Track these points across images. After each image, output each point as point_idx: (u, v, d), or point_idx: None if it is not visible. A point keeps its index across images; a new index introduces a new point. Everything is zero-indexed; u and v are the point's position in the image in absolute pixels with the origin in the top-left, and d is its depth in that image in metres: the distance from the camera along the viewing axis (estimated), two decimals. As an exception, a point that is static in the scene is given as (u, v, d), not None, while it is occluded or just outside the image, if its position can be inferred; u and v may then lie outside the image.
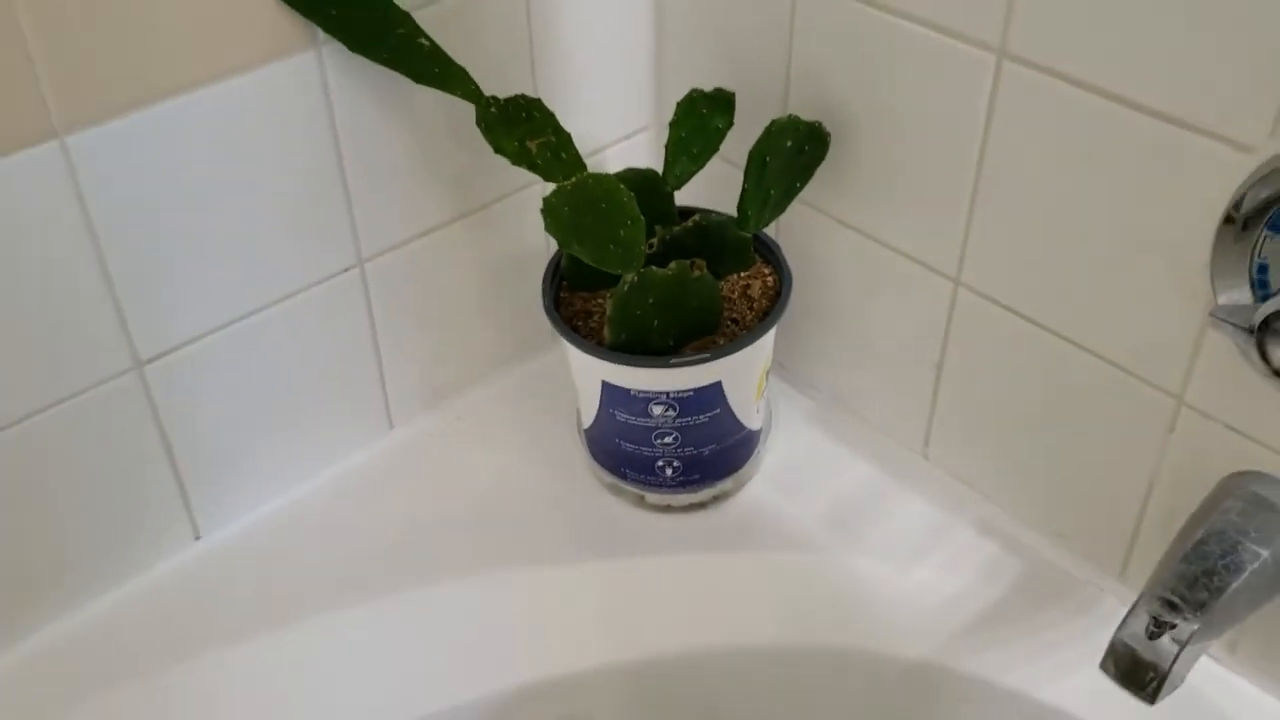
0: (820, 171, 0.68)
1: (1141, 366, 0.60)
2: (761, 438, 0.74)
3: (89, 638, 0.66)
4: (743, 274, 0.70)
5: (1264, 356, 0.48)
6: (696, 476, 0.71)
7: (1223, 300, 0.52)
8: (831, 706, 0.70)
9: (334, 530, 0.72)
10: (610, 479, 0.74)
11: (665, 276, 0.62)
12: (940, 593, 0.69)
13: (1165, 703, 0.61)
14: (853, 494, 0.74)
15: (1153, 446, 0.61)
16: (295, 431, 0.72)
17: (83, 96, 0.54)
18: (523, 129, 0.64)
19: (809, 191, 0.69)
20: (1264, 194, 0.50)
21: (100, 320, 0.60)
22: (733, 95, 0.67)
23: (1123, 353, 0.60)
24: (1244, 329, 0.49)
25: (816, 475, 0.75)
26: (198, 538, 0.71)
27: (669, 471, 0.70)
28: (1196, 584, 0.53)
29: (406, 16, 0.61)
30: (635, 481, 0.72)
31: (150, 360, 0.63)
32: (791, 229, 0.74)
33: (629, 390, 0.66)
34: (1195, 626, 0.52)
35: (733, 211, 0.68)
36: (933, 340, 0.69)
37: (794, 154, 0.66)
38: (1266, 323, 0.47)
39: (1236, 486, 0.57)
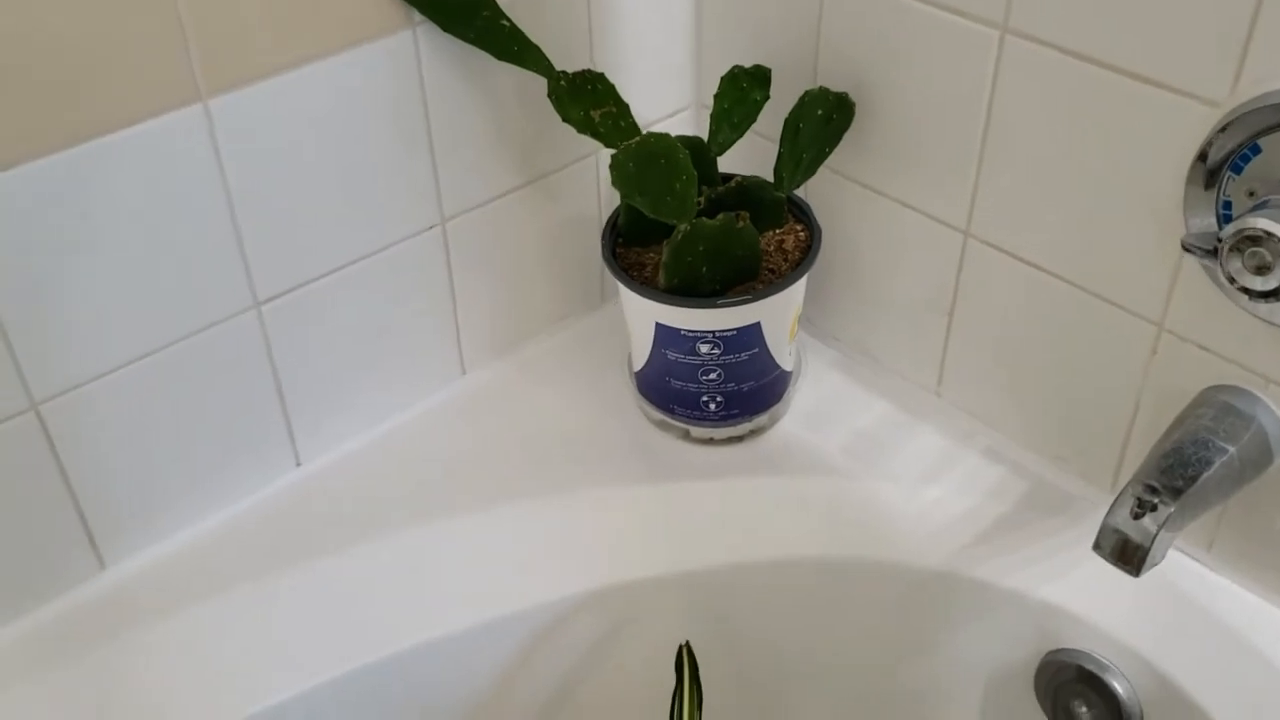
0: (846, 138, 0.78)
1: (1127, 298, 0.69)
2: (792, 380, 0.84)
3: (210, 547, 0.76)
4: (778, 230, 0.79)
5: (1227, 274, 0.58)
6: (736, 411, 0.80)
7: (1194, 232, 0.62)
8: (857, 610, 0.79)
9: (416, 460, 0.82)
10: (659, 415, 0.83)
11: (714, 226, 0.71)
12: (951, 510, 0.78)
13: (1151, 595, 0.70)
14: (873, 428, 0.83)
15: (1138, 370, 0.70)
16: (383, 372, 0.82)
17: (224, 64, 0.64)
18: (588, 100, 0.73)
19: (835, 157, 0.79)
20: (1227, 142, 0.60)
21: (228, 264, 0.69)
22: (769, 71, 0.77)
23: (1111, 287, 0.69)
24: (1209, 251, 0.58)
25: (840, 413, 0.84)
26: (299, 464, 0.80)
27: (712, 406, 0.80)
28: (1173, 473, 0.62)
29: (491, 1, 0.71)
30: (682, 416, 0.81)
31: (266, 300, 0.72)
32: (820, 192, 0.84)
33: (679, 330, 0.75)
34: (1172, 509, 0.61)
35: (769, 175, 0.78)
36: (945, 288, 0.79)
37: (824, 122, 0.75)
38: (1229, 243, 0.57)
39: (1210, 397, 0.66)
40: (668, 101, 0.88)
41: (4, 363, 0.63)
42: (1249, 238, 0.56)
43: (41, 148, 0.59)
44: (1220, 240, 0.57)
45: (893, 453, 0.81)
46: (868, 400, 0.85)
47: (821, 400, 0.86)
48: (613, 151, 0.70)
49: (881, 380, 0.86)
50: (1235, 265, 0.57)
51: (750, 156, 0.81)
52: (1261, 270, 0.56)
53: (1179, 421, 0.66)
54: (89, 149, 0.61)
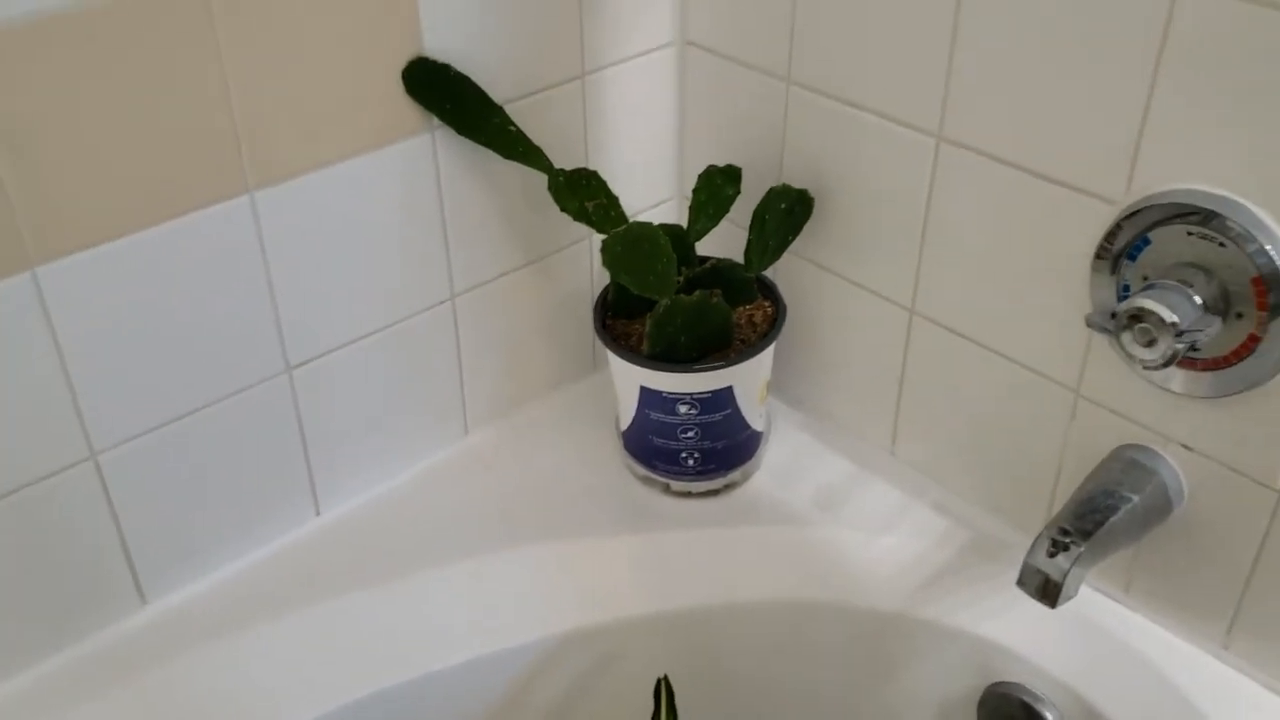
0: (808, 227, 0.89)
1: (1050, 369, 0.79)
2: (763, 440, 0.94)
3: (240, 586, 0.84)
4: (748, 306, 0.90)
5: (1122, 347, 0.68)
6: (712, 467, 0.90)
7: (1096, 311, 0.72)
8: (820, 648, 0.87)
9: (423, 510, 0.91)
10: (643, 471, 0.93)
11: (691, 302, 0.81)
12: (904, 556, 0.87)
13: (1078, 632, 0.79)
14: (835, 483, 0.93)
15: (1060, 432, 0.80)
16: (395, 432, 0.91)
17: (269, 162, 0.75)
18: (582, 193, 0.84)
19: (799, 243, 0.90)
20: (1123, 234, 0.70)
21: (266, 333, 0.80)
22: (740, 170, 0.88)
23: (1036, 359, 0.80)
24: (1107, 328, 0.68)
25: (805, 470, 0.94)
26: (318, 514, 0.90)
27: (690, 462, 0.89)
28: (1084, 518, 0.72)
29: (500, 109, 0.82)
30: (663, 472, 0.91)
31: (297, 365, 0.82)
32: (787, 273, 0.94)
33: (661, 392, 0.85)
34: (1082, 549, 0.70)
35: (740, 258, 0.89)
36: (895, 359, 0.89)
37: (786, 213, 0.86)
38: (1120, 320, 0.67)
39: (1119, 454, 0.76)
40: (654, 193, 0.99)
41: (70, 417, 0.72)
42: (1135, 315, 0.66)
43: (123, 228, 0.70)
44: (1114, 317, 0.67)
45: (852, 505, 0.91)
46: (830, 458, 0.95)
47: (789, 458, 0.95)
48: (604, 237, 0.81)
49: (842, 440, 0.96)
50: (1127, 339, 0.67)
51: (725, 241, 0.91)
52: (1150, 343, 0.66)
53: (1092, 475, 0.76)
54: (161, 230, 0.71)
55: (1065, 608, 0.80)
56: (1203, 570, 0.76)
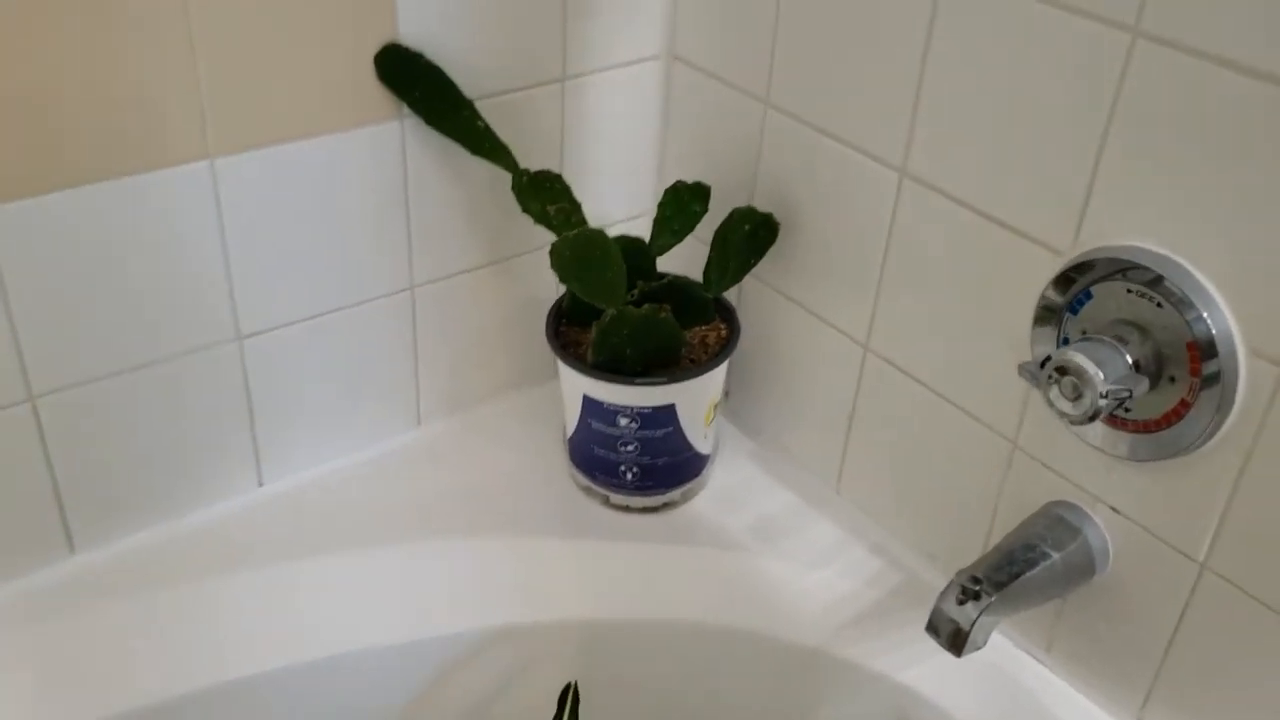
0: (774, 254, 0.88)
1: (990, 417, 0.78)
2: (709, 463, 0.93)
3: (170, 546, 0.85)
4: (704, 326, 0.89)
5: (1047, 399, 0.67)
6: (651, 484, 0.90)
7: (1031, 361, 0.71)
8: (737, 675, 0.86)
9: (365, 494, 0.91)
10: (584, 481, 0.92)
11: (638, 315, 0.81)
12: (832, 593, 0.86)
13: (997, 688, 0.78)
14: (776, 514, 0.92)
15: (996, 482, 0.79)
16: (346, 414, 0.92)
17: (233, 129, 0.76)
18: (545, 196, 0.85)
19: (765, 269, 0.90)
20: (1065, 286, 0.69)
21: (217, 300, 0.80)
22: (709, 188, 0.88)
23: (979, 406, 0.79)
24: (1035, 378, 0.67)
25: (749, 498, 0.93)
26: (261, 485, 0.90)
27: (629, 476, 0.89)
28: (999, 569, 0.71)
29: (470, 103, 0.82)
30: (603, 483, 0.91)
31: (248, 335, 0.83)
32: (750, 298, 0.94)
33: (603, 403, 0.85)
34: (993, 599, 0.69)
35: (702, 278, 0.89)
36: (846, 395, 0.88)
37: (750, 236, 0.86)
38: (1047, 372, 0.66)
39: (1048, 509, 0.75)
40: (631, 206, 0.99)
41: (10, 356, 0.74)
42: (1061, 368, 0.65)
43: (79, 178, 0.71)
44: (1042, 368, 0.66)
45: (788, 537, 0.90)
46: (775, 490, 0.94)
47: (734, 486, 0.95)
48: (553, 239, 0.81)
49: (791, 473, 0.95)
50: (1054, 392, 0.66)
51: (692, 259, 0.91)
52: (1075, 398, 0.65)
53: (1017, 528, 0.75)
54: (117, 185, 0.73)
55: (987, 662, 0.79)
56: (1124, 638, 0.75)
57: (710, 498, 0.94)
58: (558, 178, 0.85)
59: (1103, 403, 0.64)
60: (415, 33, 0.80)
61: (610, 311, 0.81)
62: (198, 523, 0.87)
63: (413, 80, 0.80)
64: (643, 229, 1.00)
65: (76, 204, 0.72)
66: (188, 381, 0.82)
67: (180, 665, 0.78)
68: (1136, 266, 0.65)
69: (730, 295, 0.94)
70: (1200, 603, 0.69)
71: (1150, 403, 0.67)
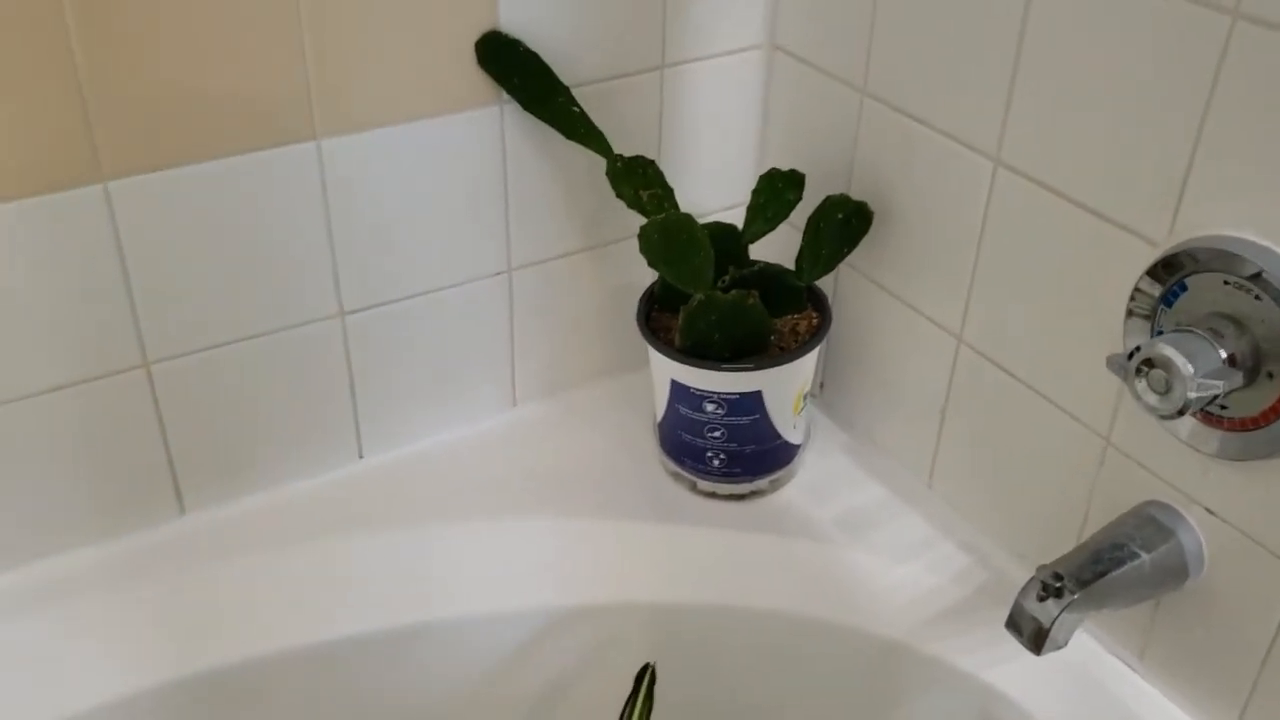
0: (869, 243, 0.88)
1: (1083, 412, 0.76)
2: (799, 453, 0.93)
3: (276, 511, 0.89)
4: (796, 315, 0.89)
5: (1134, 394, 0.65)
6: (738, 470, 0.90)
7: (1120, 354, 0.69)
8: (817, 667, 0.86)
9: (459, 471, 0.94)
10: (673, 466, 0.93)
11: (725, 300, 0.82)
12: (918, 588, 0.85)
13: (1086, 694, 0.77)
14: (865, 507, 0.91)
15: (1088, 480, 0.77)
16: (444, 393, 0.94)
17: (338, 112, 0.79)
18: (638, 181, 0.86)
19: (860, 258, 0.89)
20: (1161, 277, 0.67)
21: (319, 275, 0.84)
22: (803, 175, 0.87)
23: (1071, 401, 0.77)
24: (1124, 370, 0.65)
25: (839, 490, 0.93)
26: (361, 457, 0.93)
27: (716, 463, 0.89)
28: (1083, 567, 0.69)
29: (565, 89, 0.84)
30: (690, 469, 0.91)
31: (351, 312, 0.86)
32: (845, 288, 0.93)
33: (689, 387, 0.86)
34: (1075, 597, 0.67)
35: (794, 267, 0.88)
36: (939, 389, 0.87)
37: (843, 224, 0.85)
38: (1134, 366, 0.64)
39: (1140, 509, 0.73)
40: (730, 195, 0.99)
41: (128, 325, 0.78)
42: (1149, 361, 0.63)
43: (192, 156, 0.75)
44: (1130, 359, 0.64)
45: (877, 531, 0.89)
46: (866, 483, 0.93)
47: (825, 477, 0.94)
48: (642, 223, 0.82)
49: (883, 466, 0.94)
50: (1141, 385, 0.64)
51: (787, 248, 0.91)
52: (1164, 392, 0.63)
53: (1108, 526, 0.73)
54: (227, 163, 0.76)
55: (1076, 665, 0.78)
56: (1219, 647, 0.72)
57: (799, 488, 0.93)
58: (651, 163, 0.86)
59: (1192, 397, 0.62)
60: (516, 20, 0.82)
61: (698, 296, 0.82)
62: (301, 490, 0.91)
63: (511, 67, 0.82)
64: (740, 218, 1.00)
65: (190, 180, 0.76)
66: (292, 354, 0.85)
67: (273, 625, 0.82)
68: (1235, 258, 0.63)
69: (826, 285, 0.94)
70: (1298, 611, 0.66)
71: (1248, 399, 0.64)
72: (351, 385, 0.89)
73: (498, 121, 0.85)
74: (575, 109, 0.84)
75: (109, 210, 0.74)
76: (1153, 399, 0.64)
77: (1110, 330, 0.72)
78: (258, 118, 0.76)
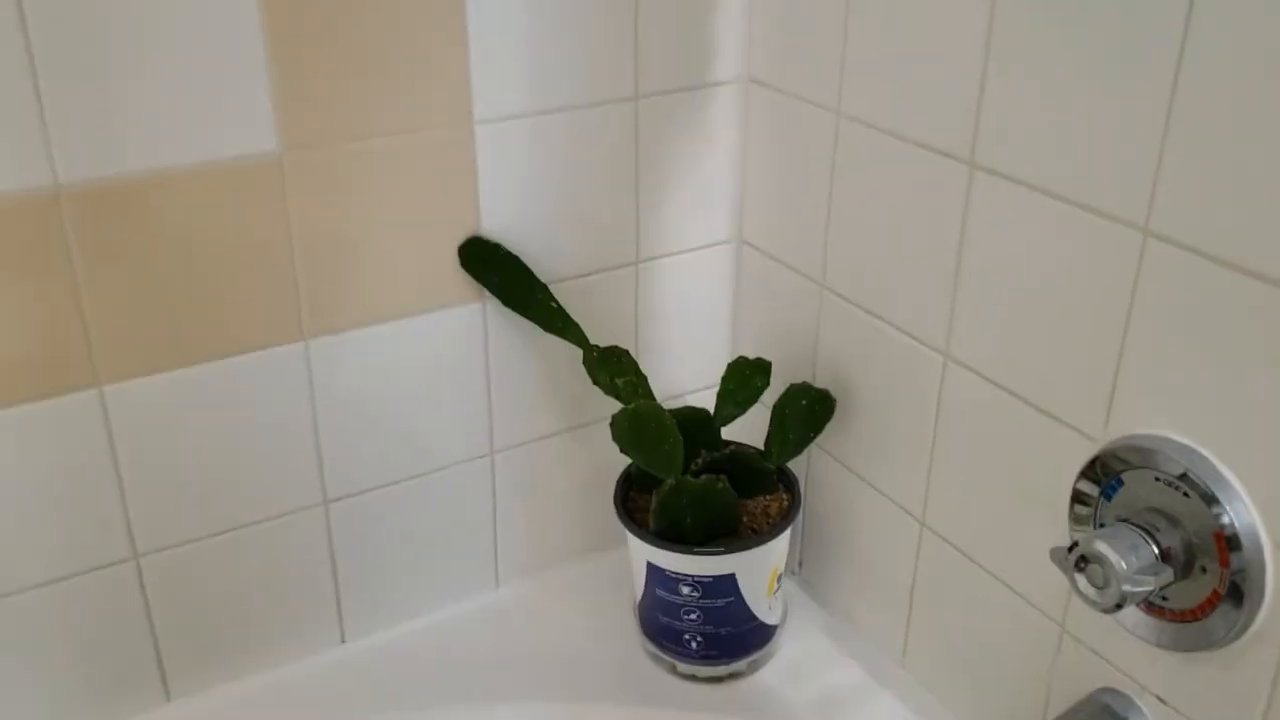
0: (836, 427, 0.91)
1: (1039, 598, 0.78)
2: (776, 634, 0.94)
3: (258, 697, 0.91)
4: (767, 496, 0.92)
5: (1075, 588, 0.67)
6: (715, 653, 0.91)
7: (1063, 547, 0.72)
8: None
9: (442, 654, 0.95)
10: (652, 649, 0.95)
11: (696, 485, 0.85)
12: (893, 774, 0.86)
13: None
14: (841, 688, 0.92)
15: (1046, 666, 0.78)
16: (427, 575, 0.97)
17: (325, 315, 0.84)
18: (613, 369, 0.90)
19: (830, 442, 0.93)
20: (1098, 473, 0.70)
21: (304, 465, 0.88)
22: (769, 363, 0.91)
23: (1027, 587, 0.79)
24: (1064, 564, 0.68)
25: (817, 671, 0.94)
26: (343, 641, 0.96)
27: (694, 645, 0.91)
28: (1037, 758, 0.70)
29: (544, 286, 0.89)
30: (670, 651, 0.93)
31: (334, 500, 0.90)
32: (817, 471, 0.96)
33: (665, 570, 0.88)
34: (1030, 789, 0.68)
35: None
36: (906, 570, 0.89)
37: (807, 411, 0.89)
38: (1072, 560, 0.66)
39: (1094, 698, 0.74)
40: (705, 378, 1.03)
41: (118, 520, 0.82)
42: (1084, 557, 0.65)
43: (185, 360, 0.80)
44: (1069, 554, 0.67)
45: (854, 715, 0.90)
46: (843, 663, 0.94)
47: (803, 657, 0.95)
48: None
49: (859, 646, 0.96)
50: (1081, 580, 0.66)
51: (762, 430, 0.94)
52: (1102, 586, 0.65)
53: (1062, 716, 0.74)
54: (218, 365, 0.81)
55: None
56: (1182, 837, 0.72)
57: (778, 669, 0.94)
58: (625, 353, 0.90)
59: (1128, 590, 0.64)
60: (497, 225, 0.88)
61: (669, 481, 0.85)
62: (286, 676, 0.93)
63: (492, 268, 0.88)
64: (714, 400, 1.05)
65: (182, 383, 0.80)
66: (277, 543, 0.89)
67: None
68: (1162, 456, 0.66)
69: (799, 466, 0.97)
70: (1251, 804, 0.67)
71: (1186, 592, 0.66)
72: (334, 570, 0.92)
73: (480, 317, 0.90)
74: (554, 304, 0.89)
75: (103, 413, 0.78)
76: (1091, 593, 0.66)
77: (1060, 518, 0.74)
78: (249, 322, 0.81)
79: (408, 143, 0.82)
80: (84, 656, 0.84)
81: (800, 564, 1.02)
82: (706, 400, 0.99)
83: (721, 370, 0.96)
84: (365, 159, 0.81)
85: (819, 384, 0.91)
